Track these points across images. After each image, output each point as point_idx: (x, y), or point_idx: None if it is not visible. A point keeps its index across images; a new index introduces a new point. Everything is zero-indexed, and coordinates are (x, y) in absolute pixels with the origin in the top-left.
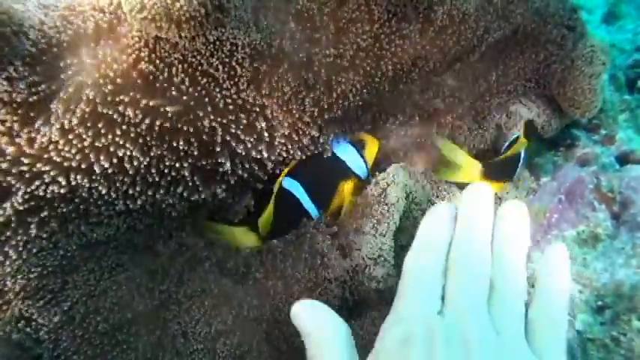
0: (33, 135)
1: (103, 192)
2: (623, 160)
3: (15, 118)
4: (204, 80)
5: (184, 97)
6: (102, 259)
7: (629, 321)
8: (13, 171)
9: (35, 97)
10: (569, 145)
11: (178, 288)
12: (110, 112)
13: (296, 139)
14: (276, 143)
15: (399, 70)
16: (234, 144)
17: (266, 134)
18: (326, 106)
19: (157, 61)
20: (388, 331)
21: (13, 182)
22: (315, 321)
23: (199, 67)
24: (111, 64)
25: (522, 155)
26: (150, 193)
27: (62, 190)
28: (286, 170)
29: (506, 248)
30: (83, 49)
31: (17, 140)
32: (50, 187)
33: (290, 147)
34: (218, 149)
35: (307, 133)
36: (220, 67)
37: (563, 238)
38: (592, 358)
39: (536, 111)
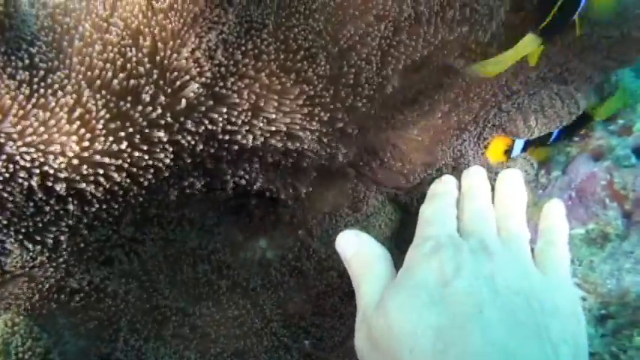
0: None
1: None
2: None
3: None
4: None
5: None
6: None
7: (631, 336)
8: None
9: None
10: (584, 134)
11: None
12: None
13: None
14: None
15: None
16: None
17: None
18: None
19: None
20: (418, 247)
21: None
22: (359, 244)
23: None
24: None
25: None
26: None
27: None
28: None
29: (508, 199)
30: None
31: None
32: None
33: None
34: None
35: None
36: None
37: (571, 237)
38: None
39: None
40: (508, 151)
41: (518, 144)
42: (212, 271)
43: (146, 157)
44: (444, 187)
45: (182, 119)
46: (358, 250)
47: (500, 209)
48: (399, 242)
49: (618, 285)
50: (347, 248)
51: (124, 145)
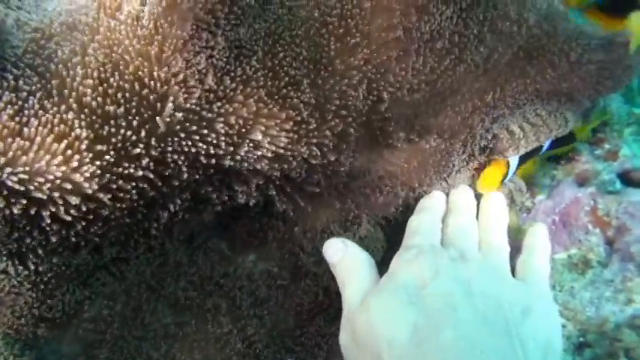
0: None
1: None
2: (625, 177)
3: None
4: None
5: None
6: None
7: None
8: None
9: None
10: (570, 158)
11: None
12: None
13: None
14: None
15: None
16: None
17: None
18: None
19: None
20: (401, 256)
21: None
22: (345, 250)
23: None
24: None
25: None
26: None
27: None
28: None
29: (490, 217)
30: None
31: None
32: None
33: None
34: None
35: None
36: None
37: (553, 261)
38: None
39: None
40: (503, 179)
41: (512, 165)
42: (198, 288)
43: (129, 180)
44: (432, 202)
45: (167, 143)
46: (344, 255)
47: (483, 225)
48: (382, 270)
49: (597, 313)
50: (334, 254)
51: (107, 168)
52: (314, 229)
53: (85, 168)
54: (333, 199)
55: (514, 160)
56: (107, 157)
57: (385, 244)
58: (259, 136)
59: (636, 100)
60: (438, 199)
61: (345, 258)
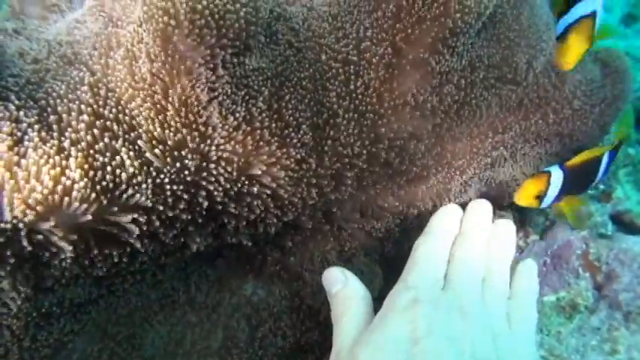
0: None
1: None
2: (617, 219)
3: None
4: None
5: None
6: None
7: None
8: None
9: None
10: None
11: None
12: None
13: None
14: None
15: None
16: None
17: None
18: None
19: None
20: (398, 295)
21: None
22: (344, 282)
23: None
24: None
25: None
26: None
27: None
28: None
29: (498, 253)
30: None
31: None
32: None
33: None
34: None
35: None
36: None
37: (542, 304)
38: None
39: None
40: (540, 197)
41: (553, 188)
42: (192, 315)
43: (126, 213)
44: (443, 224)
45: (163, 179)
46: (342, 288)
47: (490, 262)
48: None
49: None
50: (333, 284)
51: (100, 210)
52: (313, 260)
53: (76, 205)
54: (329, 232)
55: (557, 177)
56: (102, 198)
57: (382, 282)
58: (259, 174)
59: (631, 141)
60: (451, 216)
61: (343, 290)
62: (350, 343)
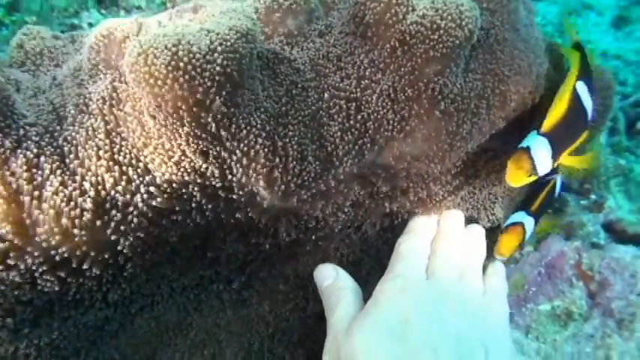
0: None
1: None
2: (609, 228)
3: None
4: None
5: None
6: None
7: None
8: None
9: None
10: (557, 209)
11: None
12: None
13: None
14: None
15: None
16: None
17: None
18: None
19: None
20: (387, 283)
21: None
22: (335, 277)
23: None
24: None
25: None
26: None
27: None
28: None
29: (472, 252)
30: None
31: None
32: None
33: None
34: None
35: None
36: None
37: (537, 313)
38: None
39: None
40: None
41: (529, 229)
42: (201, 335)
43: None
44: (423, 223)
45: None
46: (333, 282)
47: (465, 259)
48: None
49: None
50: (324, 279)
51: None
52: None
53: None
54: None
55: (529, 225)
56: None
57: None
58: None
59: (623, 152)
60: (429, 219)
61: (334, 284)
62: (345, 328)
